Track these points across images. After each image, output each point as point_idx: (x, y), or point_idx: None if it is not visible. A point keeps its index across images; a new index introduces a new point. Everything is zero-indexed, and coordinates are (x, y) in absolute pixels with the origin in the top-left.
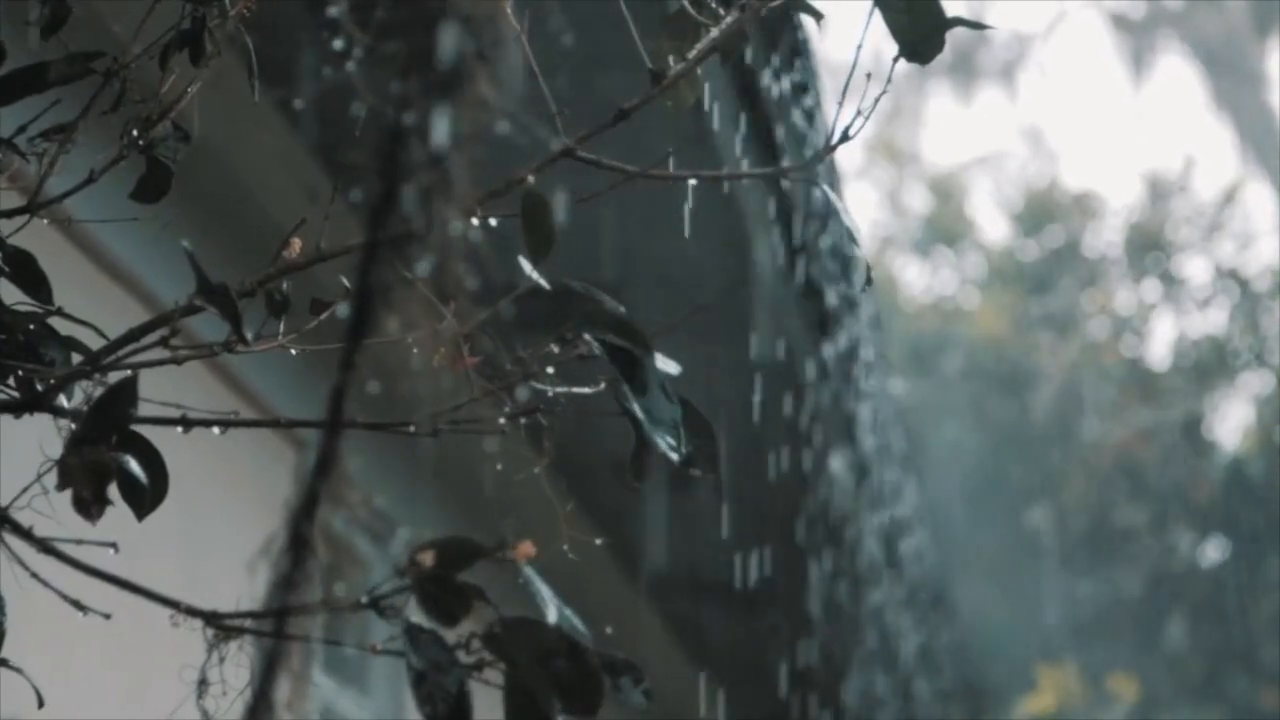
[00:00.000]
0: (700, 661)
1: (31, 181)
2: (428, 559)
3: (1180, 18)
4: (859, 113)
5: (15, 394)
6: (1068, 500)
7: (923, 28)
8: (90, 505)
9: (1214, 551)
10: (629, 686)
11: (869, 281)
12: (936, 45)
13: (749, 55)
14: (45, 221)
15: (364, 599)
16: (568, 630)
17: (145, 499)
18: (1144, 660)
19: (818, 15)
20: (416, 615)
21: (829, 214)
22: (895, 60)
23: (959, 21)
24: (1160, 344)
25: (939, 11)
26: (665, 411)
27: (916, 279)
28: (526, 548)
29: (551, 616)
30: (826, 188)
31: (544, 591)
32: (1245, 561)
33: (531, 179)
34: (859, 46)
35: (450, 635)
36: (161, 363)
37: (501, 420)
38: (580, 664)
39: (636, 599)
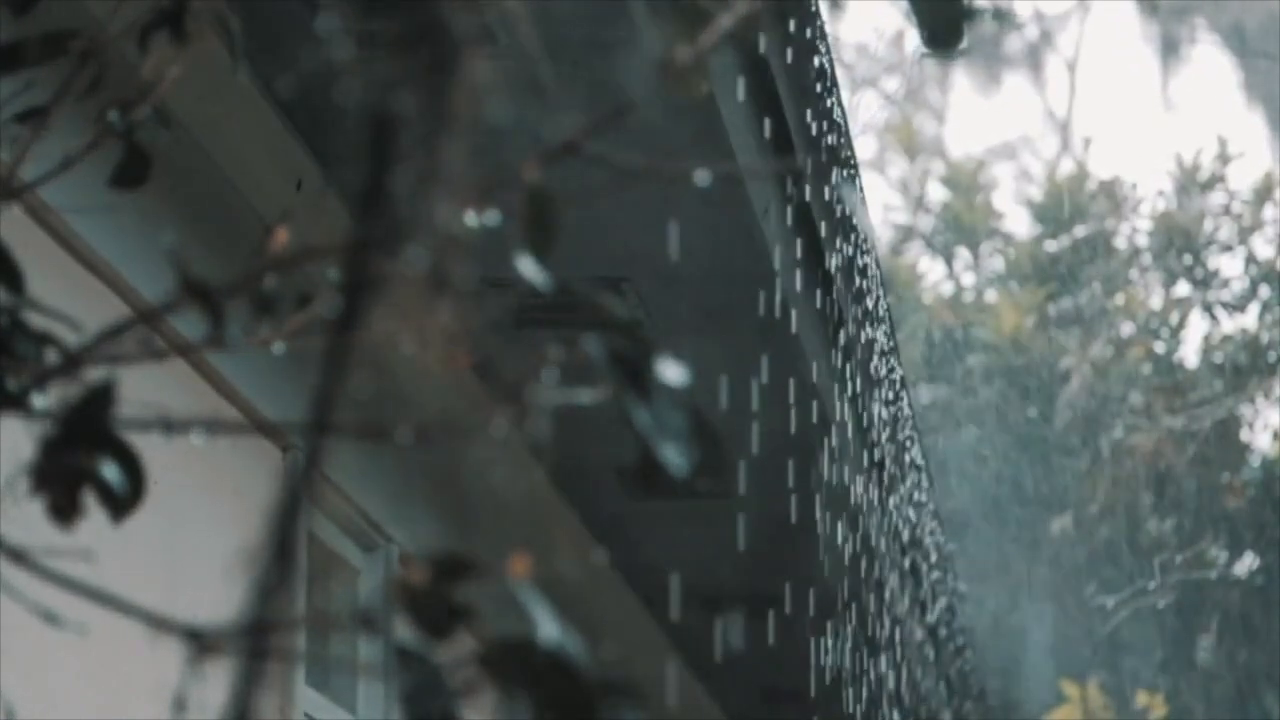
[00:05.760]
0: (706, 677)
1: (3, 168)
2: (418, 575)
3: (1211, 3)
4: (886, 100)
5: None
6: (1093, 508)
7: (946, 15)
8: (66, 512)
9: (1247, 562)
10: (627, 709)
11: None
12: (958, 35)
13: (762, 43)
14: (17, 209)
15: (352, 618)
16: (562, 650)
17: (121, 502)
18: (1173, 676)
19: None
20: (406, 631)
21: (846, 211)
22: (917, 52)
23: (984, 12)
24: (1192, 343)
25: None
26: (671, 419)
27: (934, 271)
28: (522, 563)
29: (545, 635)
30: (843, 185)
31: (539, 609)
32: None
33: (533, 174)
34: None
35: (441, 654)
36: (141, 359)
37: (500, 427)
38: (575, 686)
39: (639, 611)
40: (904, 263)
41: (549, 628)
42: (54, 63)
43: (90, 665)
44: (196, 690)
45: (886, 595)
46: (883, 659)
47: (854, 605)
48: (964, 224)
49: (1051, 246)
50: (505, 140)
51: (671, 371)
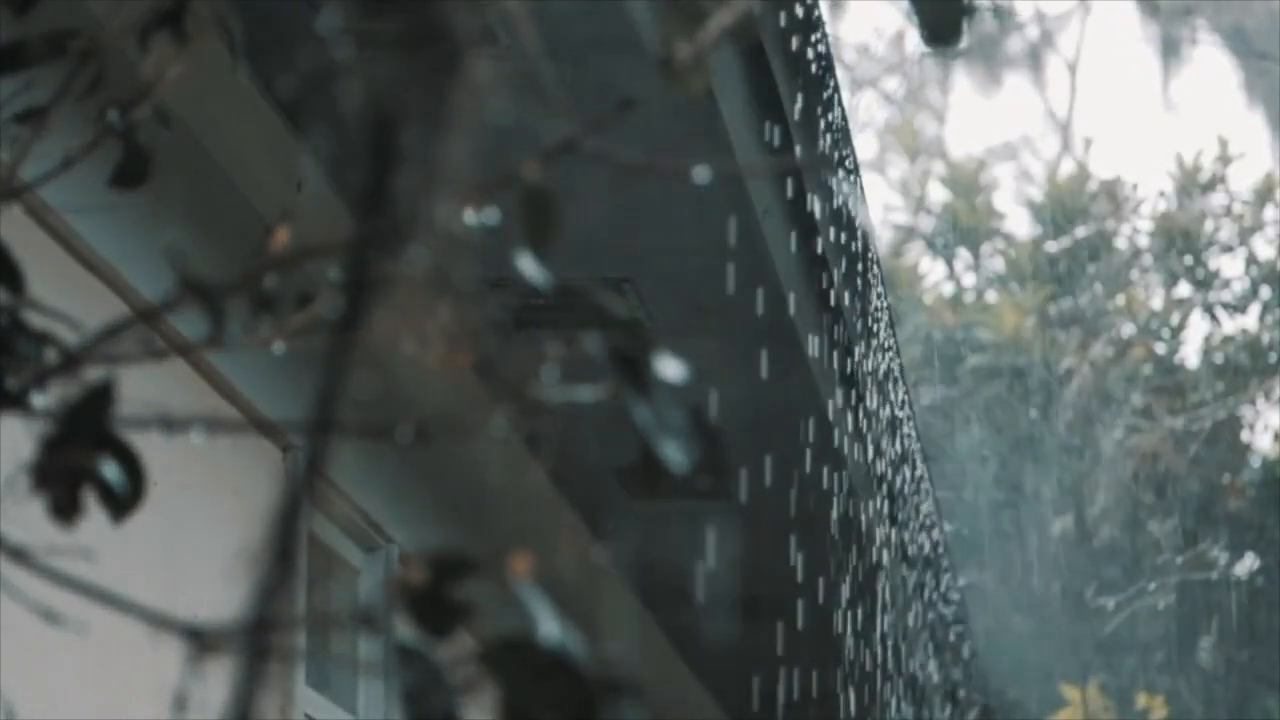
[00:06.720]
0: (706, 677)
1: (3, 168)
2: (418, 575)
3: (1212, 4)
4: (886, 100)
5: None
6: (1093, 509)
7: (946, 14)
8: (66, 511)
9: (1247, 562)
10: (628, 708)
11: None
12: (958, 33)
13: (763, 40)
14: (17, 209)
15: (352, 618)
16: (563, 649)
17: (121, 502)
18: (1173, 676)
19: None
20: (407, 631)
21: (846, 210)
22: (918, 51)
23: (984, 10)
24: (1192, 344)
25: None
26: (672, 418)
27: (935, 272)
28: (523, 561)
29: (545, 633)
30: (844, 183)
31: (539, 607)
32: None
33: (533, 173)
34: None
35: (442, 652)
36: (141, 359)
37: (500, 427)
38: (575, 684)
39: (639, 611)
40: (904, 263)
41: (549, 626)
42: (54, 63)
43: (90, 665)
44: (197, 690)
45: (887, 594)
46: (884, 657)
47: (856, 604)
48: (964, 225)
49: (1052, 247)
50: (505, 140)
51: (671, 370)
